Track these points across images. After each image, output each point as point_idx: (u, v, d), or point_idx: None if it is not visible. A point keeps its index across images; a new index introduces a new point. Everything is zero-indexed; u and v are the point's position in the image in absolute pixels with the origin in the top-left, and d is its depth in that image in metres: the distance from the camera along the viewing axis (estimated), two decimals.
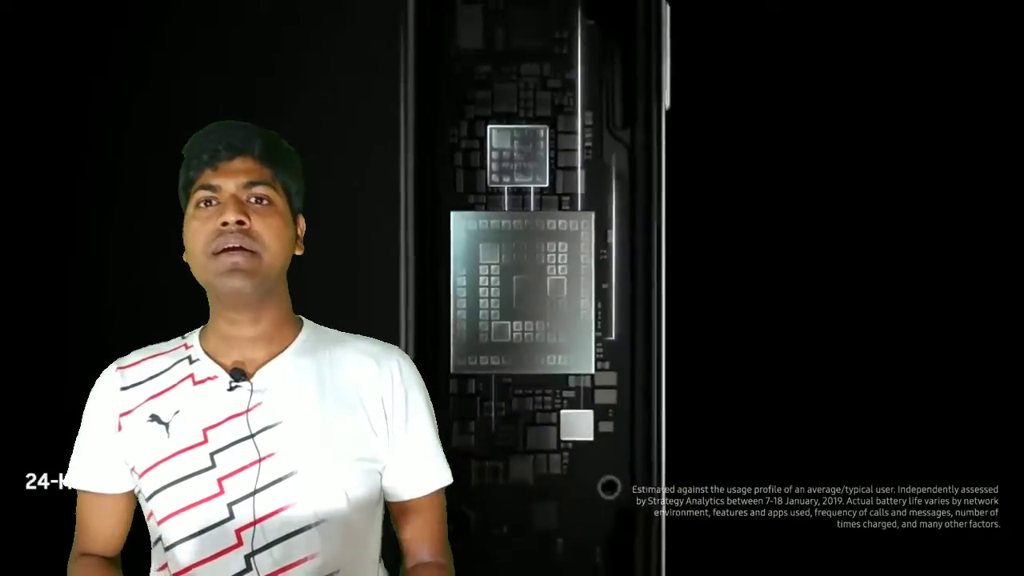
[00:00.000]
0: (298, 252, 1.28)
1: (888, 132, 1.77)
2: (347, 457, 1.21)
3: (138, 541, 1.26)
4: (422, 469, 1.24)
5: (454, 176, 1.49)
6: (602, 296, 1.50)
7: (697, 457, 1.62)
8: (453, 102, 1.50)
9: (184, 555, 1.20)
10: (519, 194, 1.48)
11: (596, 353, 1.49)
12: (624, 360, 1.48)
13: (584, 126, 1.48)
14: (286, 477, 1.19)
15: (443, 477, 1.26)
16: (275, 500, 1.19)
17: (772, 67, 1.70)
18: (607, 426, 1.46)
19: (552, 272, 1.50)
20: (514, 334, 1.51)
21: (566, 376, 1.47)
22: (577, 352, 1.48)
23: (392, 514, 1.28)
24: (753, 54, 1.70)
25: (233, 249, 1.20)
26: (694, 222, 1.59)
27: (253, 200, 1.24)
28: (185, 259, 1.24)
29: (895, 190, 1.80)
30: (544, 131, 1.48)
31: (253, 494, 1.19)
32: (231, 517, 1.19)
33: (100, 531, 1.30)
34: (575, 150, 1.48)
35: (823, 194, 1.72)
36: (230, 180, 1.23)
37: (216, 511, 1.19)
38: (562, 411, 1.47)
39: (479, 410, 1.50)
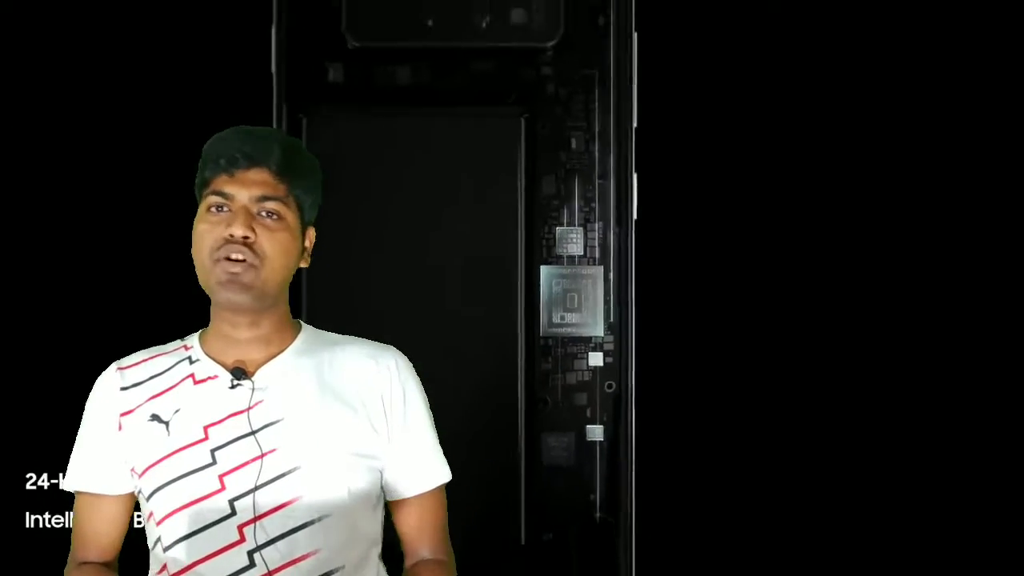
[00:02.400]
0: (303, 265, 1.29)
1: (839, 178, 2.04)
2: (348, 454, 1.22)
3: (136, 549, 1.30)
4: (421, 467, 1.28)
5: (543, 249, 1.99)
6: (607, 301, 1.98)
7: (658, 384, 2.02)
8: (540, 215, 1.98)
9: (185, 553, 1.18)
10: (572, 257, 1.99)
11: (604, 326, 1.98)
12: (617, 330, 1.97)
13: (597, 232, 1.99)
14: (288, 473, 1.19)
15: (442, 474, 1.31)
16: (277, 496, 1.18)
17: (706, 195, 2.05)
18: (608, 360, 1.98)
19: (585, 291, 1.99)
20: (568, 317, 1.99)
21: (590, 337, 1.98)
22: (595, 325, 1.99)
23: (392, 512, 1.31)
24: (695, 192, 2.05)
25: (235, 261, 1.19)
26: (654, 269, 1.99)
27: (264, 214, 1.21)
28: (192, 255, 1.24)
29: (862, 194, 2.04)
30: (582, 231, 1.99)
31: (254, 490, 1.17)
32: (232, 513, 1.17)
33: (97, 536, 1.27)
34: (594, 237, 1.99)
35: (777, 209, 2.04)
36: (244, 191, 1.20)
37: (217, 507, 1.18)
38: (589, 352, 1.98)
39: (552, 352, 1.99)
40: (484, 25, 1.85)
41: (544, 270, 1.97)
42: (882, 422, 2.06)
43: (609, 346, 1.98)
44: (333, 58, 1.88)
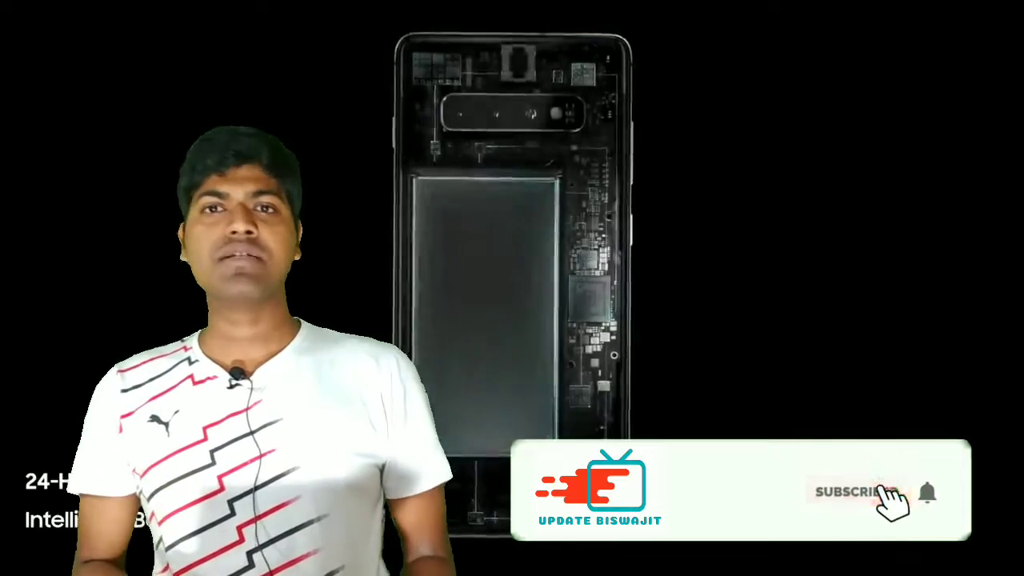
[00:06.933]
0: (296, 257, 1.31)
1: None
2: (348, 453, 1.25)
3: (141, 549, 1.30)
4: (421, 466, 1.32)
5: (571, 264, 2.41)
6: (612, 299, 2.42)
7: (657, 360, 2.36)
8: (569, 243, 2.41)
9: (186, 553, 1.21)
10: (590, 270, 2.44)
11: (610, 316, 2.41)
12: (619, 318, 2.42)
13: (606, 254, 2.42)
14: (287, 473, 1.22)
15: (442, 473, 1.35)
16: (276, 496, 1.21)
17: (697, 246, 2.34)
18: (613, 338, 2.41)
19: (598, 293, 2.45)
20: (587, 310, 2.42)
21: (601, 322, 2.40)
22: (605, 315, 2.41)
23: (392, 510, 1.35)
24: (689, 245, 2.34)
25: (240, 257, 1.21)
26: (643, 279, 2.37)
27: (259, 208, 1.23)
28: (184, 259, 1.27)
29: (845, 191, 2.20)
30: (596, 253, 2.41)
31: (254, 490, 1.20)
32: (232, 514, 1.21)
33: (102, 537, 1.29)
34: (605, 258, 2.43)
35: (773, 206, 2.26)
36: (238, 188, 1.22)
37: (217, 508, 1.21)
38: (600, 332, 2.40)
39: (576, 331, 2.41)
40: (532, 117, 2.39)
41: (571, 279, 2.46)
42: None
43: (613, 329, 2.47)
44: (433, 138, 2.39)
